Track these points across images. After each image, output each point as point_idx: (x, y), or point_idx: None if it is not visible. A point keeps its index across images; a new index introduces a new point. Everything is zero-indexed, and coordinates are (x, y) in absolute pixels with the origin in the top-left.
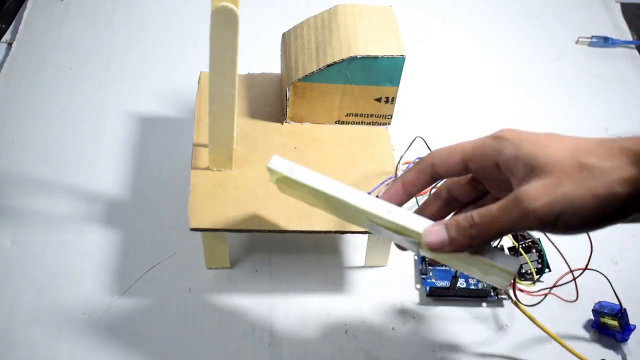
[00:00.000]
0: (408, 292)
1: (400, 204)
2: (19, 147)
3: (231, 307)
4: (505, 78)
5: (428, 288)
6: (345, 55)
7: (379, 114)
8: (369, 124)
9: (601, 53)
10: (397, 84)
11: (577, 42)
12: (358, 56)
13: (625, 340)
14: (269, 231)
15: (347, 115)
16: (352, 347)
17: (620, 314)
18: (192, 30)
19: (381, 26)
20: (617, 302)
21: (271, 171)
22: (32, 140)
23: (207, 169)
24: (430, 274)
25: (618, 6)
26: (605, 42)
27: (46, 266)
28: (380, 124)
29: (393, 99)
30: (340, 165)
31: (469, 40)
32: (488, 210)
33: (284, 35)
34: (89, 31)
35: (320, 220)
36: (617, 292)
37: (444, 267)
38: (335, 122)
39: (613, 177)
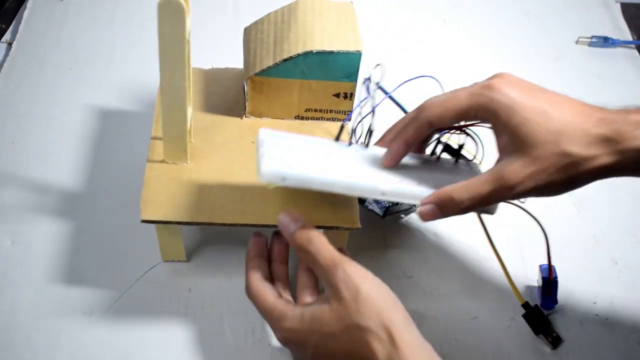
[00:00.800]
0: (407, 291)
1: (402, 157)
2: (19, 147)
3: (231, 307)
4: None
5: (382, 210)
6: (301, 50)
7: (338, 110)
8: (328, 119)
9: (601, 53)
10: (355, 80)
11: (577, 42)
12: (314, 51)
13: (546, 308)
14: (222, 224)
15: (306, 111)
16: None
17: (546, 279)
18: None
19: (340, 22)
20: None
21: (264, 182)
22: (32, 140)
23: (163, 161)
24: None
25: (618, 6)
26: (605, 42)
27: (46, 266)
28: (340, 120)
29: (352, 95)
30: None
31: (469, 40)
32: (478, 193)
33: (245, 29)
34: (89, 31)
35: (275, 214)
36: (616, 291)
37: None
38: (295, 118)
39: (593, 164)
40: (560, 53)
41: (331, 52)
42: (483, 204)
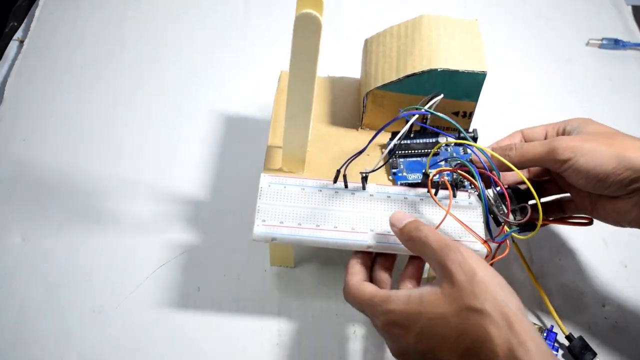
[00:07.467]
0: None
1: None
2: (30, 145)
3: (240, 306)
4: (516, 80)
5: (399, 183)
6: (425, 67)
7: (455, 128)
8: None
9: (612, 55)
10: (476, 100)
11: (587, 44)
12: (438, 69)
13: None
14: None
15: None
16: (360, 347)
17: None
18: (202, 26)
19: (465, 40)
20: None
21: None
22: (43, 137)
23: (280, 170)
24: (402, 167)
25: (629, 8)
26: (616, 44)
27: (56, 263)
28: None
29: (471, 114)
30: None
31: None
32: (528, 152)
33: (366, 41)
34: (100, 29)
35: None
36: (625, 295)
37: (415, 159)
38: None
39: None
40: (570, 55)
41: (456, 71)
42: (529, 163)
